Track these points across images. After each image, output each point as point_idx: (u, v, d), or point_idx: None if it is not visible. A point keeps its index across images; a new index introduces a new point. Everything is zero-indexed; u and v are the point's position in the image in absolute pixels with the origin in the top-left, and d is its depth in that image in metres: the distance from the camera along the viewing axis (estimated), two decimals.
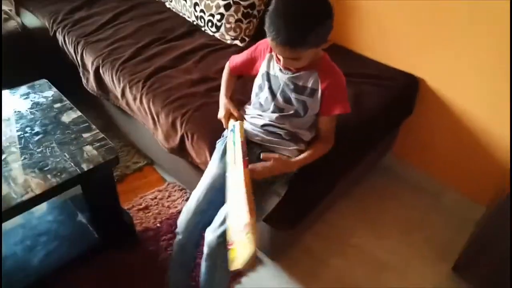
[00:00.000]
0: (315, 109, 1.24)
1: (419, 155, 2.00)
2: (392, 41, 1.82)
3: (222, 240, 1.11)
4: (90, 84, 1.86)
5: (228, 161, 1.19)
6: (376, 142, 1.69)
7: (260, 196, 1.21)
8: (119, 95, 1.72)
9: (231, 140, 1.22)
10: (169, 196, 1.83)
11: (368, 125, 1.55)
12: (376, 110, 1.60)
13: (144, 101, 1.59)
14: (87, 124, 1.41)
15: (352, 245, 1.72)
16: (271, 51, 1.26)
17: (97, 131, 1.39)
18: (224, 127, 1.35)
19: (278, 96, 1.26)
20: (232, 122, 1.30)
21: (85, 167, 1.24)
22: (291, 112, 1.26)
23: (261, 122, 1.30)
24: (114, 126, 2.07)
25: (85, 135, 1.36)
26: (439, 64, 1.73)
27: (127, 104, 1.71)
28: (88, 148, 1.31)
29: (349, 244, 1.72)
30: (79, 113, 1.46)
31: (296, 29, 1.01)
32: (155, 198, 1.82)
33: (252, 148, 1.28)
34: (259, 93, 1.32)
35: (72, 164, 1.25)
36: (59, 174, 1.21)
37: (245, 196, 1.04)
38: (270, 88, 1.27)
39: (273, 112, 1.28)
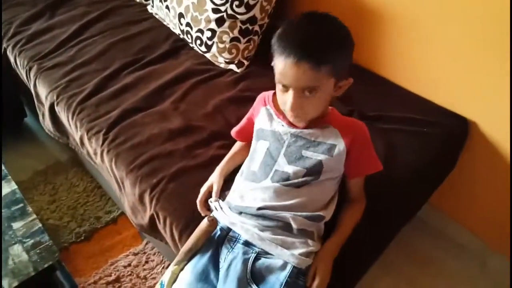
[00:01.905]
0: (336, 171, 0.94)
1: (460, 208, 1.59)
2: (436, 72, 1.38)
3: None
4: (46, 122, 1.48)
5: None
6: (410, 214, 1.29)
7: None
8: (78, 143, 1.34)
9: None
10: (146, 262, 1.47)
11: (401, 194, 1.15)
12: (414, 171, 1.19)
13: (106, 159, 1.21)
14: (21, 205, 1.04)
15: None
16: (265, 104, 1.02)
17: (34, 216, 1.02)
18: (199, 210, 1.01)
19: (281, 157, 0.93)
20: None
21: (6, 285, 0.88)
22: (301, 179, 0.90)
23: (255, 203, 0.91)
24: (85, 162, 1.70)
25: (16, 224, 1.00)
26: (497, 103, 1.29)
27: (89, 155, 1.33)
28: (16, 249, 0.95)
29: None
30: (14, 186, 1.09)
31: (319, 42, 0.81)
32: (129, 265, 1.46)
33: (243, 249, 0.89)
34: (253, 158, 0.99)
35: None
36: None
37: None
38: (269, 149, 0.96)
39: (274, 182, 0.91)
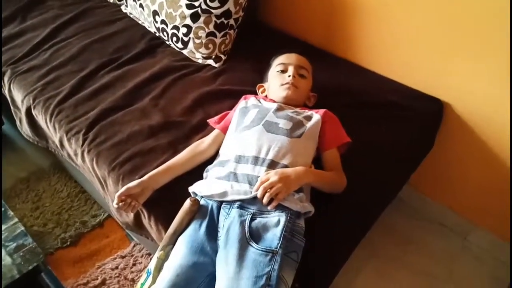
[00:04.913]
0: (313, 137, 1.08)
1: (440, 188, 1.64)
2: (409, 56, 1.42)
3: None
4: (24, 127, 1.46)
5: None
6: (391, 195, 1.32)
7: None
8: (58, 145, 1.33)
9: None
10: (133, 264, 1.46)
11: (381, 176, 1.18)
12: (392, 153, 1.23)
13: (87, 159, 1.20)
14: (2, 209, 1.03)
15: None
16: (256, 96, 1.24)
17: (16, 220, 1.01)
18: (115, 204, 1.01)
19: (271, 113, 1.10)
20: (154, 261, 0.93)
21: None
22: (288, 128, 1.05)
23: (250, 151, 1.00)
24: (68, 166, 1.68)
25: None
26: (468, 84, 1.34)
27: (69, 157, 1.32)
28: None
29: None
30: None
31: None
32: (116, 267, 1.45)
33: (238, 212, 0.92)
34: (245, 115, 1.13)
35: None
36: None
37: None
38: (259, 111, 1.12)
39: (265, 128, 1.06)
